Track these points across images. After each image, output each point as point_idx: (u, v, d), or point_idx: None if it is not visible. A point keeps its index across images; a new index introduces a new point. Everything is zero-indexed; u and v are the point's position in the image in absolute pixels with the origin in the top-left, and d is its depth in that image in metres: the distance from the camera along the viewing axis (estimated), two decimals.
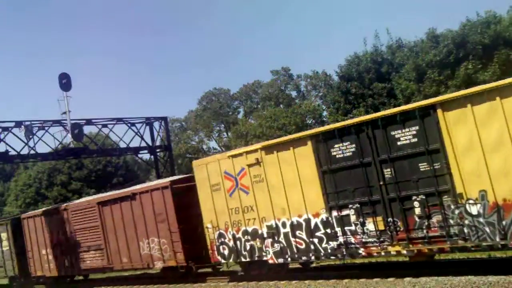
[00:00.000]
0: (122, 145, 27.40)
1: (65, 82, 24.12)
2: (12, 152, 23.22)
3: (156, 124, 28.11)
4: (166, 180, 18.15)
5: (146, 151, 28.49)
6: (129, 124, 26.99)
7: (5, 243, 23.77)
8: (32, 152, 23.68)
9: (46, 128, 24.24)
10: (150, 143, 27.78)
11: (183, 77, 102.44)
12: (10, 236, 23.37)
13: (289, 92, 57.00)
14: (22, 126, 23.30)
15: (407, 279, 12.21)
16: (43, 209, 24.10)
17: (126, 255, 18.68)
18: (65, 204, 21.97)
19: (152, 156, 29.42)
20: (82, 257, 20.34)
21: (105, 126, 26.46)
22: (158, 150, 29.10)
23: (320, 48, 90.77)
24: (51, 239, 21.71)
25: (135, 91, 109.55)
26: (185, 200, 16.82)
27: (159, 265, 17.75)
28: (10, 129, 23.21)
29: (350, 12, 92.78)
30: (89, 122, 25.87)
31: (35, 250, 22.44)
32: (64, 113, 23.96)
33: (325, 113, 46.91)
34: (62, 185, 44.01)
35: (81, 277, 23.03)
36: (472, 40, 25.96)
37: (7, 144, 23.07)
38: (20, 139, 23.42)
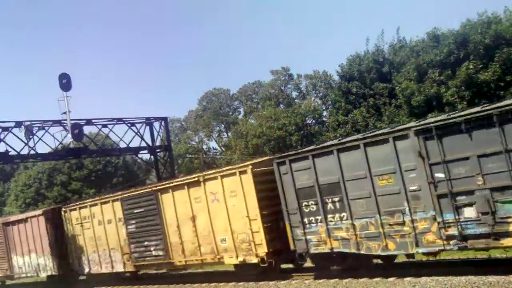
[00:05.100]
0: (122, 145, 27.33)
1: (65, 82, 24.06)
2: (12, 152, 23.15)
3: (156, 124, 28.03)
4: None
5: (146, 151, 28.41)
6: (129, 124, 26.92)
7: None
8: (32, 152, 23.59)
9: (46, 128, 24.17)
10: (150, 143, 27.70)
11: (183, 77, 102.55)
12: None
13: (289, 92, 57.04)
14: (22, 126, 23.22)
15: (407, 279, 12.19)
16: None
17: None
18: None
19: (152, 156, 29.35)
20: None
21: (105, 126, 26.37)
22: (158, 150, 29.01)
23: (320, 48, 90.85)
24: None
25: (135, 91, 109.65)
26: None
27: None
28: (10, 129, 23.13)
29: (350, 12, 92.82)
30: (89, 122, 25.79)
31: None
32: (64, 113, 23.90)
33: (325, 113, 46.91)
34: (62, 185, 44.03)
35: None
36: (473, 40, 25.91)
37: (7, 144, 23.01)
38: (20, 139, 23.37)
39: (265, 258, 14.69)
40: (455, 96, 25.63)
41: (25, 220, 23.19)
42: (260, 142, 43.45)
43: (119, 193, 19.57)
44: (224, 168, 16.03)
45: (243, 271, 15.83)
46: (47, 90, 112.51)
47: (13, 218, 25.11)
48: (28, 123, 23.48)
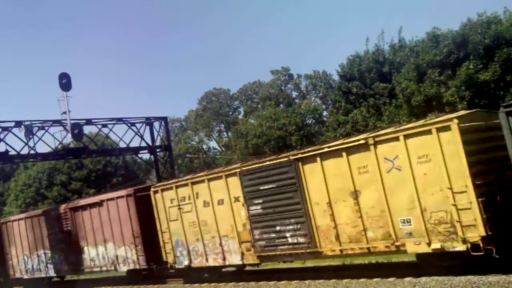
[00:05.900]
0: (122, 145, 27.35)
1: (65, 82, 24.08)
2: (12, 152, 23.17)
3: (156, 124, 28.06)
4: None
5: (146, 151, 28.44)
6: (129, 124, 26.94)
7: None
8: (32, 152, 23.62)
9: (46, 128, 24.20)
10: (150, 143, 27.72)
11: (183, 77, 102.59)
12: None
13: (289, 92, 57.12)
14: (22, 126, 23.25)
15: (407, 279, 12.18)
16: None
17: None
18: None
19: (152, 156, 29.39)
20: None
21: (105, 126, 26.39)
22: (158, 150, 29.04)
23: (320, 48, 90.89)
24: None
25: (135, 91, 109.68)
26: None
27: None
28: (10, 129, 23.15)
29: (350, 12, 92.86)
30: (89, 122, 25.81)
31: None
32: (64, 113, 23.92)
33: (325, 113, 46.96)
34: (62, 185, 44.01)
35: None
36: (473, 40, 25.91)
37: (7, 144, 23.03)
38: (20, 139, 23.38)
39: (481, 245, 10.85)
40: (455, 96, 25.62)
41: (100, 204, 20.27)
42: (260, 142, 43.48)
43: (236, 165, 15.91)
44: (409, 125, 12.19)
45: (433, 261, 12.17)
46: (47, 90, 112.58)
47: (83, 202, 22.19)
48: (28, 123, 23.50)
